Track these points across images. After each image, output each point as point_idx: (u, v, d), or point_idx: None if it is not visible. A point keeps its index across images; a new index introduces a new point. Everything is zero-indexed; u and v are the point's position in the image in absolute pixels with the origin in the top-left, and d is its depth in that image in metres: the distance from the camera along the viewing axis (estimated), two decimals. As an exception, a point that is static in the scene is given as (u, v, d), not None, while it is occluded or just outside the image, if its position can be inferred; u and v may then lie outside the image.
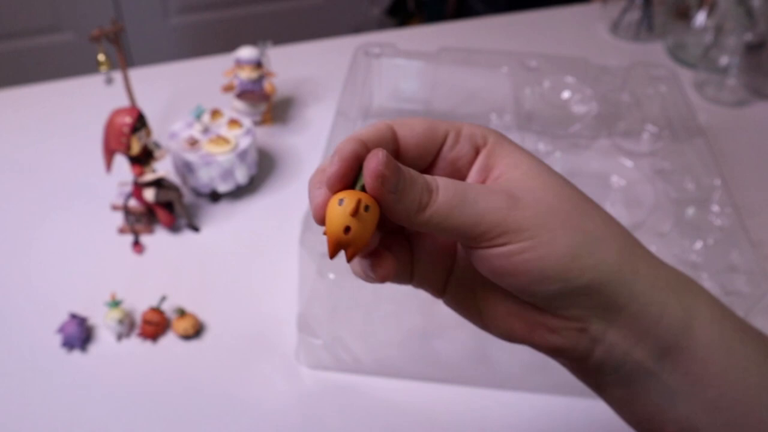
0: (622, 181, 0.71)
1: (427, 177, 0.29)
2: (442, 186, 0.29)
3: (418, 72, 0.83)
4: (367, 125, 0.31)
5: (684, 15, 1.06)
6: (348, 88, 0.74)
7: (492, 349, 0.60)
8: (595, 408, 0.58)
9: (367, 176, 0.28)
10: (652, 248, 0.55)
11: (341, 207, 0.28)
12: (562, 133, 0.74)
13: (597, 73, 0.81)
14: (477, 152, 0.32)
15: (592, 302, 0.30)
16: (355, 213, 0.28)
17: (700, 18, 1.04)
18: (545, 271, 0.29)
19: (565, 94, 0.81)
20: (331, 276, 0.55)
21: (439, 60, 0.81)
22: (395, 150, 0.31)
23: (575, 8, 1.22)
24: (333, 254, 0.29)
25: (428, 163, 0.33)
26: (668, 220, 0.63)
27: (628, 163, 0.71)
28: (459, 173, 0.33)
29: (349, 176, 0.29)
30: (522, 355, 0.57)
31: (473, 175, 0.32)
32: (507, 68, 0.80)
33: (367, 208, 0.28)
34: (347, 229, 0.28)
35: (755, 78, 0.96)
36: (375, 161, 0.28)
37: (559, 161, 0.71)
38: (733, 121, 0.74)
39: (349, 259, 0.29)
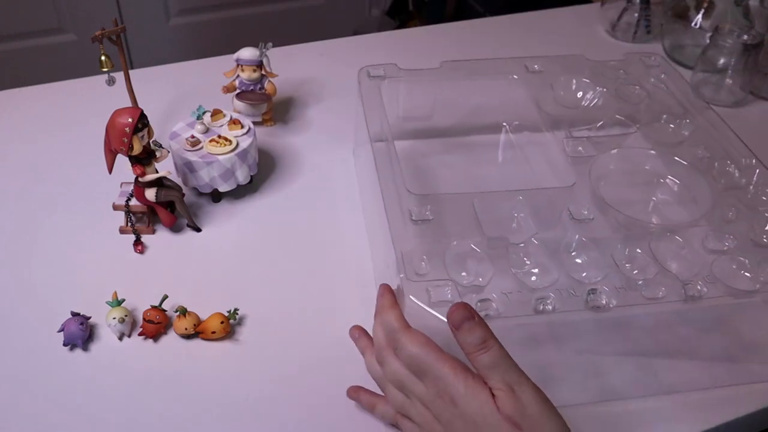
0: (676, 182, 0.73)
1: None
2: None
3: (422, 92, 0.83)
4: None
5: (682, 16, 1.07)
6: (368, 113, 0.73)
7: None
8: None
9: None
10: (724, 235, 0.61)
11: None
12: (592, 134, 0.75)
13: (596, 67, 0.82)
14: None
15: None
16: None
17: (698, 19, 1.05)
18: None
19: (578, 94, 0.82)
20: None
21: (441, 76, 0.80)
22: None
23: (574, 9, 1.23)
24: None
25: None
26: (729, 208, 0.65)
27: (671, 158, 0.73)
28: None
29: None
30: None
31: None
32: (517, 76, 0.81)
33: None
34: None
35: (752, 78, 0.97)
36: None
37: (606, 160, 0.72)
38: (730, 122, 0.75)
39: None
